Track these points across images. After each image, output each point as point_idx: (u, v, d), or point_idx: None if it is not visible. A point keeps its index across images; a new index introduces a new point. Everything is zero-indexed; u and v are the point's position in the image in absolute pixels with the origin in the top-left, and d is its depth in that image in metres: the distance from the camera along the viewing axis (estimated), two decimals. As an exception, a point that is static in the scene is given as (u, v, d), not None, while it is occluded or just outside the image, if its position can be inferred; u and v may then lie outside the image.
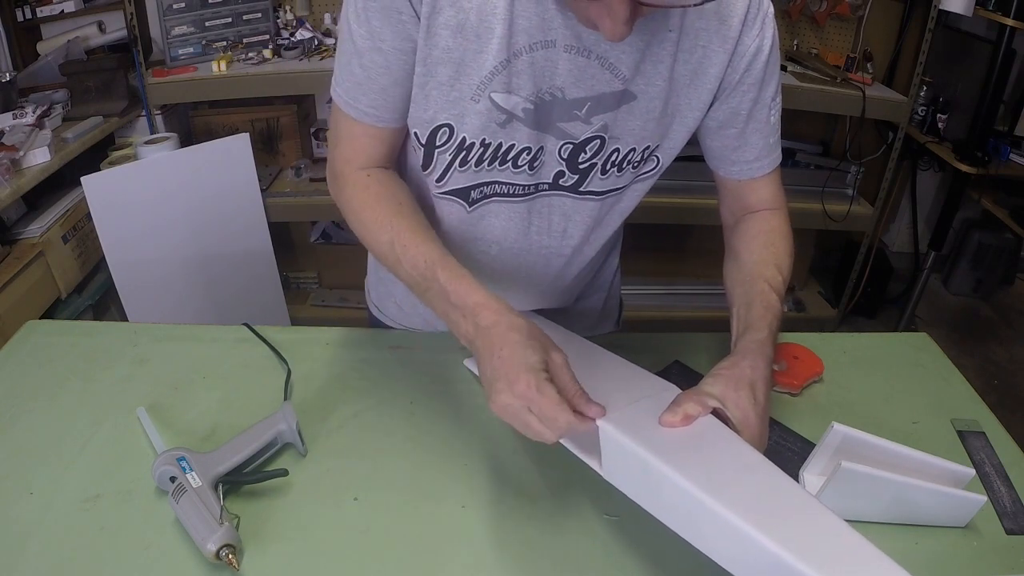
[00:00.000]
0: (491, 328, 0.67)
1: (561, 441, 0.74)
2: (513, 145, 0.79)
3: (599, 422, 0.66)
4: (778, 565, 0.53)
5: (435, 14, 0.70)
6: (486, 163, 0.80)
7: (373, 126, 0.79)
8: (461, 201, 0.84)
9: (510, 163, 0.80)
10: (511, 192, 0.84)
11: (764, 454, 0.64)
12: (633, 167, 0.84)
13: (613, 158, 0.82)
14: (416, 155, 0.82)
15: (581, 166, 0.82)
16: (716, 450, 0.64)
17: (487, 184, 0.83)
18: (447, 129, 0.77)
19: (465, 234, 0.87)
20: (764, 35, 0.78)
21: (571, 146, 0.80)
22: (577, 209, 0.87)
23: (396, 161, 0.85)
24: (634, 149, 0.82)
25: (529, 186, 0.83)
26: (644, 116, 0.79)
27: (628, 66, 0.75)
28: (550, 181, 0.84)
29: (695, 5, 0.63)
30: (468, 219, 0.86)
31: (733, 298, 0.82)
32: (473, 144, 0.78)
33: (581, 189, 0.85)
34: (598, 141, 0.80)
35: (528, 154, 0.80)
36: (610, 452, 0.67)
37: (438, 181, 0.83)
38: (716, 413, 0.68)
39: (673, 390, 0.71)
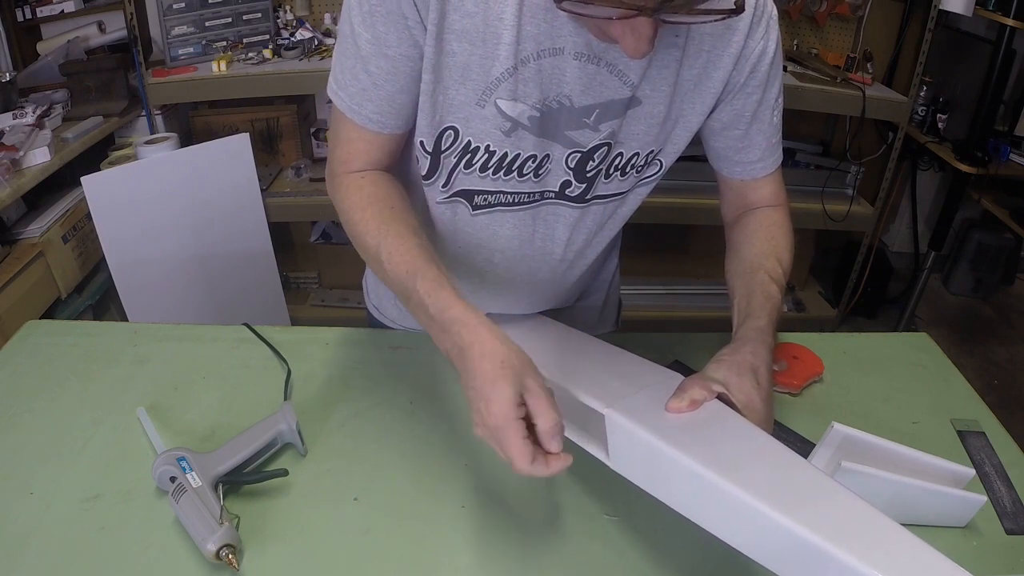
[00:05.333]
0: (466, 351, 0.64)
1: (566, 434, 0.74)
2: (519, 155, 0.78)
3: (605, 411, 0.66)
4: (797, 543, 0.52)
5: (443, 20, 0.70)
6: (491, 171, 0.80)
7: (376, 132, 0.78)
8: (465, 203, 0.84)
9: (515, 172, 0.80)
10: (515, 201, 0.83)
11: None
12: (636, 171, 0.84)
13: (616, 162, 0.82)
14: (420, 165, 0.82)
15: (588, 174, 0.82)
16: (725, 433, 0.64)
17: (491, 192, 0.82)
18: (452, 132, 0.77)
19: (469, 240, 0.87)
20: (769, 38, 0.78)
21: (579, 155, 0.80)
22: (581, 216, 0.86)
23: (394, 167, 0.85)
24: (637, 154, 0.82)
25: (534, 194, 0.83)
26: (648, 121, 0.79)
27: (636, 73, 0.75)
28: (556, 190, 0.83)
29: (715, 20, 0.63)
30: (472, 224, 0.86)
31: (734, 290, 0.82)
32: (478, 148, 0.78)
33: (587, 197, 0.85)
34: (605, 148, 0.80)
35: (533, 162, 0.80)
36: (617, 441, 0.66)
37: (444, 186, 0.82)
38: (720, 398, 0.68)
39: (677, 378, 0.71)
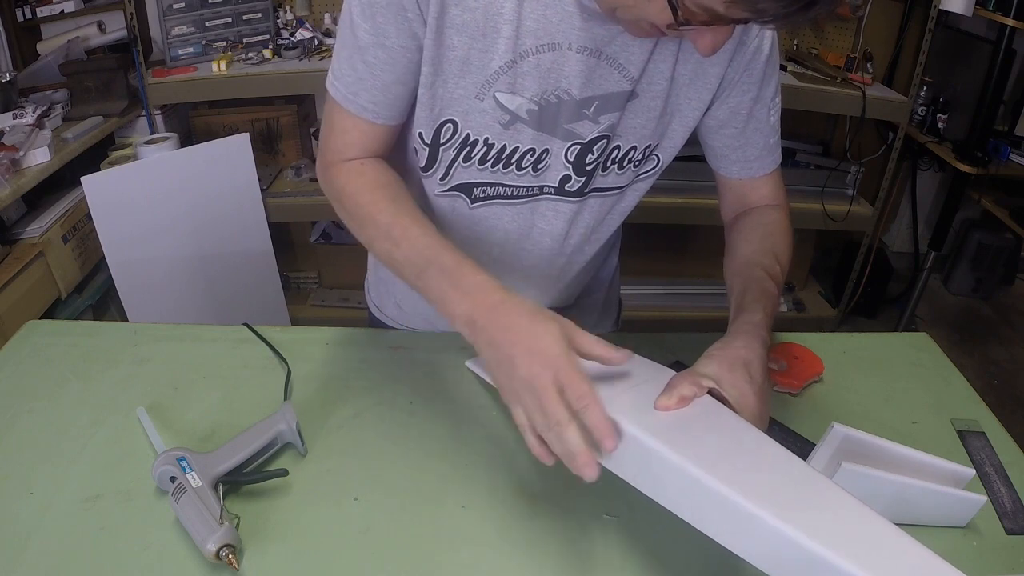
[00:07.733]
0: (500, 305, 0.64)
1: None
2: (517, 148, 0.79)
3: None
4: (786, 543, 0.52)
5: (443, 14, 0.71)
6: (489, 164, 0.80)
7: (370, 122, 0.79)
8: (463, 196, 0.84)
9: (513, 166, 0.81)
10: (514, 195, 0.84)
11: None
12: (634, 166, 0.85)
13: (614, 155, 0.83)
14: (418, 158, 0.82)
15: (588, 167, 0.82)
16: (715, 430, 0.63)
17: (490, 185, 0.83)
18: (451, 125, 0.78)
19: (466, 234, 0.87)
20: (764, 34, 0.79)
21: (578, 147, 0.80)
22: (578, 210, 0.87)
23: (388, 159, 0.85)
24: (635, 147, 0.83)
25: (532, 188, 0.83)
26: (645, 114, 0.80)
27: (636, 66, 0.75)
28: (555, 185, 0.84)
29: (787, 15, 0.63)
30: (470, 217, 0.86)
31: (731, 287, 0.82)
32: (477, 141, 0.79)
33: (585, 191, 0.85)
34: (604, 141, 0.80)
35: (532, 156, 0.80)
36: None
37: (442, 179, 0.83)
38: (713, 394, 0.67)
39: (669, 373, 0.70)
